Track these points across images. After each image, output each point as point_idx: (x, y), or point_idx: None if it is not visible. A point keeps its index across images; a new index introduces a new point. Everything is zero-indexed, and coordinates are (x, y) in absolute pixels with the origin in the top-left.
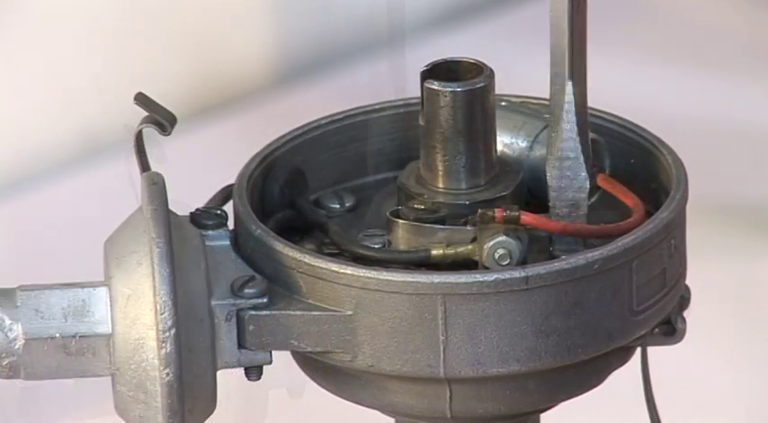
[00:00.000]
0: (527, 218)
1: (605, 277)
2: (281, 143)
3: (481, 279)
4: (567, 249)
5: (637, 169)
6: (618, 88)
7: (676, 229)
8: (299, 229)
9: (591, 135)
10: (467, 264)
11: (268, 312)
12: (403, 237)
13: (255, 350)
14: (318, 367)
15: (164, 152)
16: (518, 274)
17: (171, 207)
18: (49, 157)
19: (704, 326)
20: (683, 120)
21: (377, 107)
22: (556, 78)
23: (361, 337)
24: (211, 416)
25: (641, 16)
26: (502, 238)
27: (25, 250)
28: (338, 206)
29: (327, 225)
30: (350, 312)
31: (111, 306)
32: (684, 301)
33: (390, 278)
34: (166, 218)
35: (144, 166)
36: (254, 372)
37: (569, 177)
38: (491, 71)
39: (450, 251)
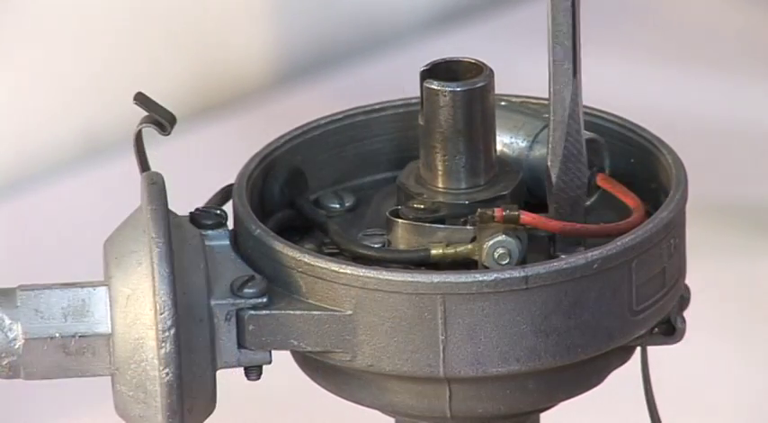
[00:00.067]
0: (526, 217)
1: (605, 277)
2: (281, 143)
3: (481, 279)
4: (566, 249)
5: (637, 169)
6: (618, 88)
7: (676, 228)
8: (299, 229)
9: (591, 135)
10: (466, 263)
11: (268, 312)
12: (402, 236)
13: (255, 350)
14: (318, 367)
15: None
16: (518, 273)
17: (170, 207)
18: (50, 157)
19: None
20: (683, 120)
21: (377, 107)
22: (558, 76)
23: (361, 336)
24: (211, 416)
25: (641, 16)
26: (501, 237)
27: (25, 250)
28: (338, 206)
29: (327, 225)
30: (350, 312)
31: (110, 306)
32: (684, 300)
33: (390, 278)
34: (166, 218)
35: (143, 165)
36: (253, 371)
37: (570, 176)
38: (491, 71)
39: (450, 251)
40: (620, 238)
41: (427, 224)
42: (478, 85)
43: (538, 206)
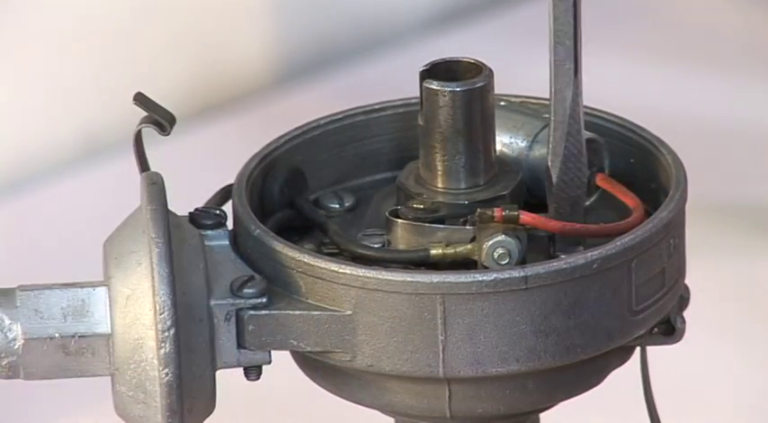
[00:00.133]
0: (526, 217)
1: (604, 277)
2: (281, 143)
3: (480, 279)
4: (566, 249)
5: (636, 169)
6: (618, 88)
7: (676, 228)
8: (299, 229)
9: (591, 135)
10: (466, 263)
11: (267, 312)
12: (402, 236)
13: (255, 350)
14: (318, 367)
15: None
16: (517, 273)
17: (170, 207)
18: (49, 157)
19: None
20: (683, 120)
21: (376, 107)
22: (560, 76)
23: (361, 336)
24: (211, 415)
25: (641, 16)
26: (501, 237)
27: (25, 250)
28: (337, 206)
29: (327, 225)
30: (349, 312)
31: (110, 306)
32: (684, 300)
33: (390, 278)
34: (166, 218)
35: (143, 166)
36: (253, 372)
37: (570, 176)
38: (490, 71)
39: (450, 251)
40: (620, 238)
41: (427, 224)
42: (478, 85)
43: (538, 206)
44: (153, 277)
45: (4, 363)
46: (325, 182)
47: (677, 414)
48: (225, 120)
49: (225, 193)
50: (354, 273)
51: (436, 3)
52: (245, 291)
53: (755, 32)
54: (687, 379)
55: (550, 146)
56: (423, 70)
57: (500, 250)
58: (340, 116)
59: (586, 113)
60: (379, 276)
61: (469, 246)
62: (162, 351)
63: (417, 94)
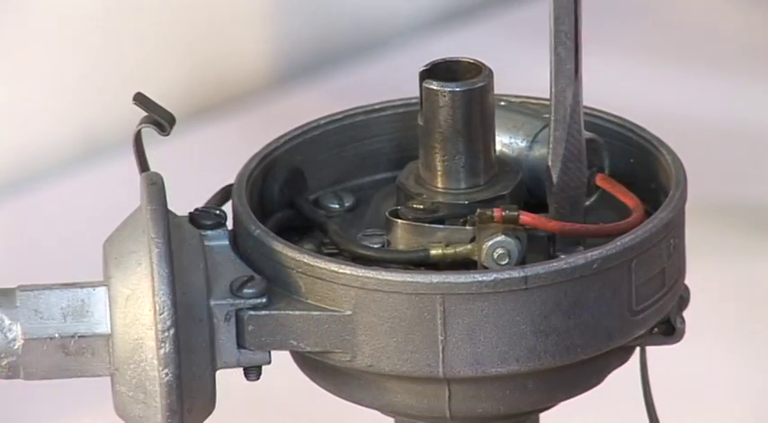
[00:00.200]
0: (526, 217)
1: (604, 277)
2: (281, 143)
3: (480, 279)
4: (566, 249)
5: (636, 169)
6: (618, 88)
7: (676, 228)
8: (299, 229)
9: (590, 135)
10: (466, 263)
11: (267, 312)
12: (402, 237)
13: (255, 350)
14: (318, 367)
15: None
16: (517, 273)
17: (170, 207)
18: (50, 157)
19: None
20: (683, 120)
21: (376, 107)
22: (560, 75)
23: (361, 336)
24: (211, 415)
25: (641, 16)
26: (501, 237)
27: (25, 250)
28: (337, 206)
29: (327, 225)
30: (349, 312)
31: (110, 306)
32: (684, 300)
33: (389, 278)
34: (165, 218)
35: (143, 166)
36: (253, 372)
37: (571, 175)
38: (490, 71)
39: (450, 251)
40: (620, 238)
41: (426, 224)
42: (478, 85)
43: (537, 206)
44: (153, 277)
45: (4, 363)
46: (325, 182)
47: (677, 414)
48: (225, 120)
49: (225, 193)
50: (354, 273)
51: (436, 3)
52: (245, 291)
53: (755, 32)
54: (687, 379)
55: (551, 146)
56: (423, 70)
57: (500, 250)
58: (340, 116)
59: (586, 113)
60: (379, 276)
61: (469, 246)
62: (162, 351)
63: (417, 94)
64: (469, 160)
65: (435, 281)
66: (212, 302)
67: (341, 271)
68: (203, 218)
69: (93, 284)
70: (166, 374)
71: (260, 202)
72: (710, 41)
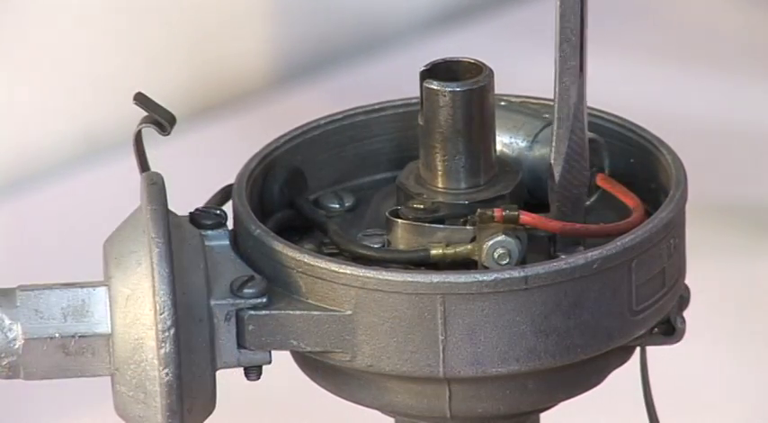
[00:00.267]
0: (526, 217)
1: (604, 277)
2: (281, 143)
3: (480, 279)
4: (566, 249)
5: (636, 169)
6: (618, 88)
7: (676, 228)
8: (299, 229)
9: (591, 135)
10: (466, 263)
11: (267, 312)
12: (402, 236)
13: (255, 350)
14: (318, 367)
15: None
16: (517, 273)
17: (170, 207)
18: (50, 157)
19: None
20: (683, 120)
21: (376, 107)
22: (565, 73)
23: (361, 336)
24: (211, 415)
25: (641, 16)
26: (501, 237)
27: (25, 250)
28: (338, 206)
29: (327, 225)
30: (349, 312)
31: (110, 306)
32: (684, 300)
33: (390, 278)
34: (166, 218)
35: (143, 166)
36: (253, 372)
37: (573, 174)
38: (490, 71)
39: (450, 251)
40: (620, 238)
41: (427, 224)
42: (478, 85)
43: (538, 206)
44: (153, 277)
45: (4, 363)
46: (325, 182)
47: (677, 414)
48: (225, 120)
49: (225, 193)
50: (354, 273)
51: (436, 3)
52: (245, 291)
53: (755, 32)
54: (687, 379)
55: (553, 144)
56: (423, 70)
57: (500, 250)
58: (340, 116)
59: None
60: (379, 276)
61: (469, 246)
62: (162, 351)
63: (417, 94)
64: (470, 160)
65: (435, 281)
66: (212, 302)
67: (341, 271)
68: (203, 218)
69: (94, 284)
70: (167, 374)
71: (260, 202)
72: (710, 41)
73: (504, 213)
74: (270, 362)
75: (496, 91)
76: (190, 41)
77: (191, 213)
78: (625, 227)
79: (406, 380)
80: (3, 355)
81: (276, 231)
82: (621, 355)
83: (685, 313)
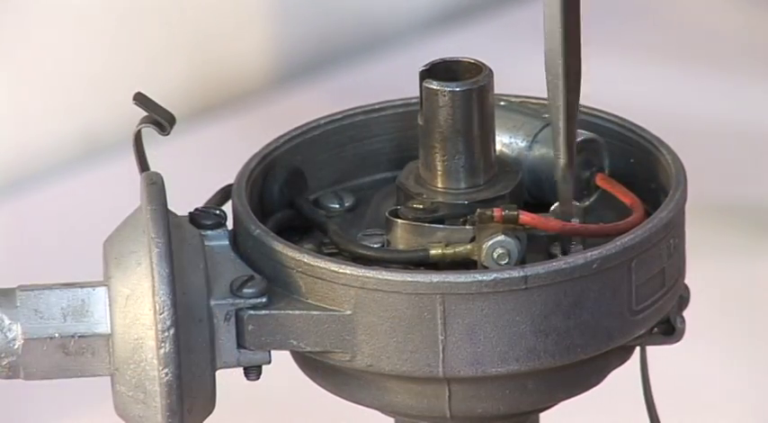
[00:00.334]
0: (526, 217)
1: (604, 277)
2: (281, 143)
3: (480, 279)
4: (565, 249)
5: (636, 169)
6: (618, 88)
7: (675, 228)
8: (299, 229)
9: (591, 135)
10: (466, 263)
11: (267, 312)
12: (402, 236)
13: (255, 350)
14: (318, 367)
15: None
16: (517, 273)
17: (170, 207)
18: (50, 157)
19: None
20: (683, 120)
21: (376, 107)
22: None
23: (361, 336)
24: (211, 415)
25: (641, 16)
26: (501, 237)
27: (25, 250)
28: (337, 206)
29: (327, 225)
30: (349, 312)
31: (110, 306)
32: (684, 300)
33: (389, 278)
34: (165, 218)
35: (143, 166)
36: (253, 371)
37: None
38: (490, 71)
39: (449, 251)
40: (620, 238)
41: (426, 224)
42: (478, 85)
43: (537, 206)
44: (153, 277)
45: (4, 363)
46: (325, 182)
47: (677, 414)
48: (225, 120)
49: (225, 193)
50: (354, 273)
51: (436, 2)
52: (245, 291)
53: (755, 32)
54: (687, 379)
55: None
56: (423, 70)
57: (500, 250)
58: (340, 116)
59: (586, 113)
60: (379, 276)
61: (469, 246)
62: (162, 351)
63: (417, 94)
64: (469, 160)
65: (435, 281)
66: (212, 302)
67: (341, 271)
68: (203, 218)
69: (93, 284)
70: (166, 374)
71: (260, 202)
72: (710, 41)
73: (503, 213)
74: (270, 362)
75: (496, 91)
76: (190, 41)
77: (190, 213)
78: (625, 227)
79: (405, 380)
80: (3, 355)
81: (276, 231)
82: (621, 355)
83: (685, 313)
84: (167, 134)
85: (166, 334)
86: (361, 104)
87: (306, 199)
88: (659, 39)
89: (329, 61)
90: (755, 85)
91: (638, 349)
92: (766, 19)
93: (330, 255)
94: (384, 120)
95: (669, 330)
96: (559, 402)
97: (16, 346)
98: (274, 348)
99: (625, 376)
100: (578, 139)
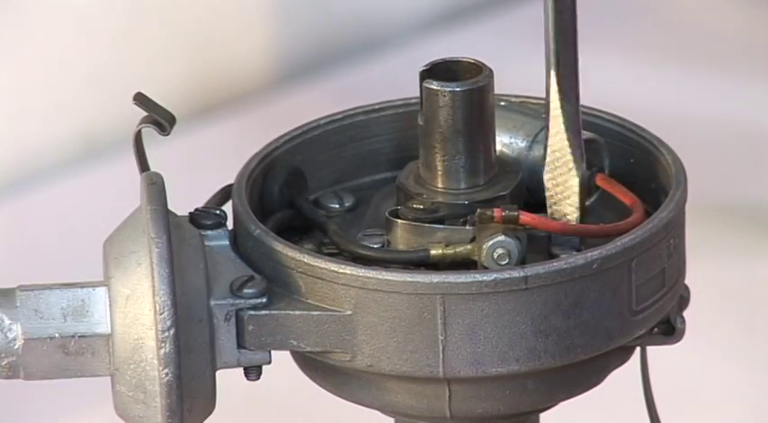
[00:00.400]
0: (526, 217)
1: (604, 277)
2: (281, 143)
3: (480, 279)
4: (566, 249)
5: (636, 169)
6: (618, 88)
7: (676, 228)
8: (299, 229)
9: (590, 135)
10: (466, 264)
11: (267, 312)
12: (402, 236)
13: (255, 350)
14: (318, 367)
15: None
16: (517, 273)
17: (170, 207)
18: (50, 157)
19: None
20: (683, 120)
21: (376, 107)
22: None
23: (361, 336)
24: (211, 415)
25: (641, 16)
26: (501, 237)
27: (25, 250)
28: (337, 206)
29: (327, 225)
30: (349, 312)
31: (110, 306)
32: (684, 300)
33: (389, 278)
34: (166, 218)
35: (143, 166)
36: (253, 372)
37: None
38: (490, 71)
39: (449, 251)
40: (620, 238)
41: (426, 224)
42: (478, 85)
43: (537, 206)
44: (153, 277)
45: (4, 363)
46: (325, 182)
47: (677, 414)
48: (225, 120)
49: (225, 193)
50: (354, 273)
51: (437, 3)
52: (245, 291)
53: (755, 32)
54: (687, 379)
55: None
56: (423, 70)
57: (500, 250)
58: (340, 116)
59: (586, 113)
60: (379, 276)
61: (469, 246)
62: (162, 351)
63: (417, 94)
64: (469, 160)
65: (435, 281)
66: (212, 302)
67: (341, 271)
68: (203, 218)
69: (93, 284)
70: (166, 374)
71: (260, 202)
72: (710, 41)
73: (503, 213)
74: (270, 362)
75: (496, 91)
76: (190, 41)
77: (190, 213)
78: (625, 227)
79: (405, 380)
80: (3, 355)
81: (276, 231)
82: (621, 355)
83: (685, 313)
84: (167, 134)
85: (166, 334)
86: (361, 104)
87: (306, 199)
88: (659, 39)
89: (329, 61)
90: (755, 85)
91: (638, 349)
92: (766, 19)
93: (330, 255)
94: (384, 120)
95: (669, 330)
96: (559, 402)
97: (16, 346)
98: (274, 348)
99: (625, 376)
100: None
